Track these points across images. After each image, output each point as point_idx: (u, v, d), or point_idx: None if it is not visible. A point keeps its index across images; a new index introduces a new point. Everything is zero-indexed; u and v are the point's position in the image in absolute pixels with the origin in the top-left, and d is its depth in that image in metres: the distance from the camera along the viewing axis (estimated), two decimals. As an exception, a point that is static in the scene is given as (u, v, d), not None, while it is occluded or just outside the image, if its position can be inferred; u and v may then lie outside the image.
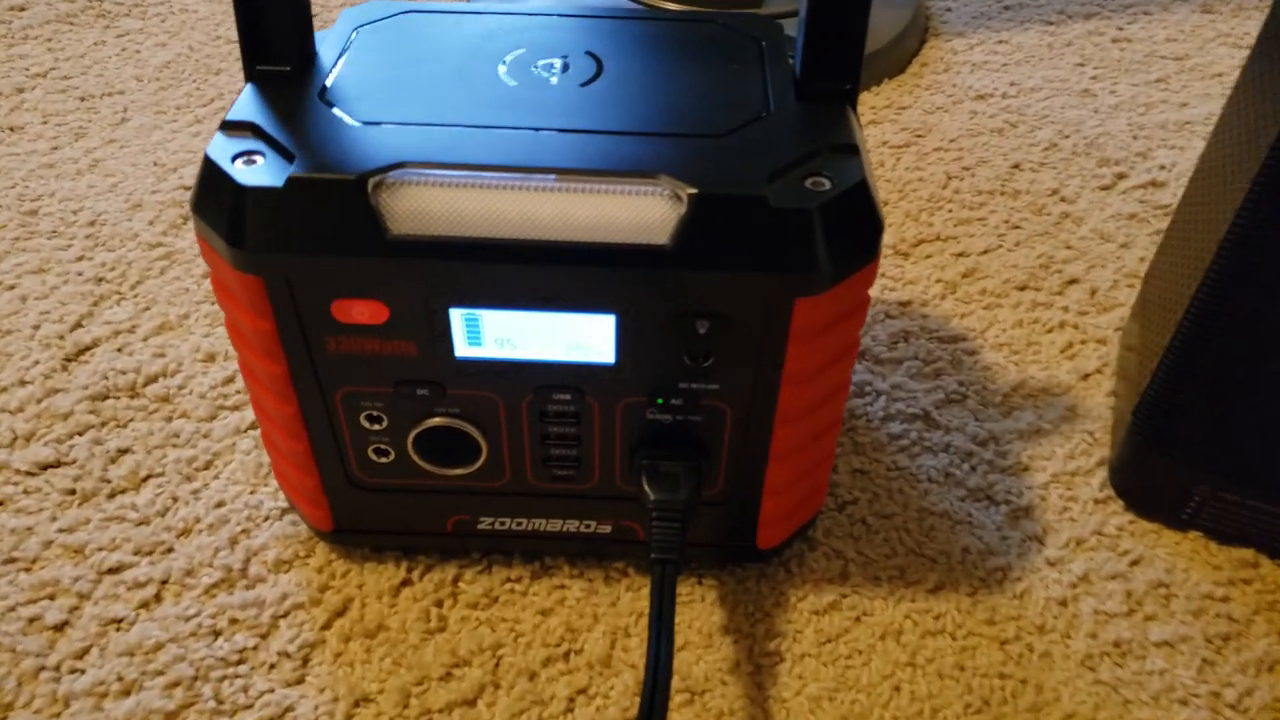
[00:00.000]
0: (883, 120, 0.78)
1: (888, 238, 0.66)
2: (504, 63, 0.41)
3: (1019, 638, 0.45)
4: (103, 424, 0.53)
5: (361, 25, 0.44)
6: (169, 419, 0.53)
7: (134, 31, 0.88)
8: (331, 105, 0.38)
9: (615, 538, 0.45)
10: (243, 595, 0.45)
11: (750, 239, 0.35)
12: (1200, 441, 0.46)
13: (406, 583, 0.46)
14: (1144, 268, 0.64)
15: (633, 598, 0.46)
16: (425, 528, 0.45)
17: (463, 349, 0.38)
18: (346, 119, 0.37)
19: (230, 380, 0.56)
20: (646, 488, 0.41)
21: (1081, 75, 0.84)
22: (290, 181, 0.35)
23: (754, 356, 0.38)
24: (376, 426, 0.41)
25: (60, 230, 0.66)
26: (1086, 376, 0.57)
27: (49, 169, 0.71)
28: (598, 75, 0.41)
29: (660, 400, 0.40)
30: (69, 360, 0.57)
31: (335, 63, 0.41)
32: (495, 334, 0.38)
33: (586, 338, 0.38)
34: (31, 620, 0.44)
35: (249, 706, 0.42)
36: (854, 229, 0.36)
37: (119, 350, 0.57)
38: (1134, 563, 0.48)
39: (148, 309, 0.60)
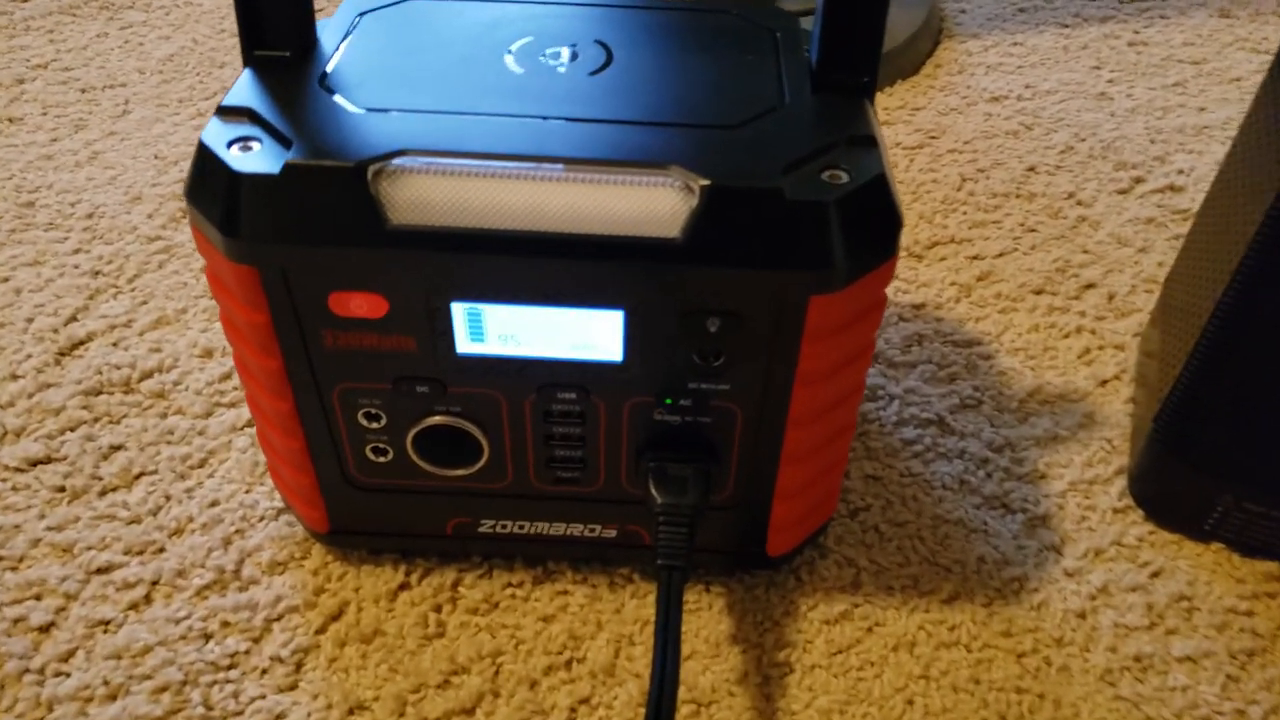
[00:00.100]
0: (896, 121, 0.77)
1: (901, 240, 0.65)
2: (511, 51, 0.40)
3: (1036, 650, 0.43)
4: (95, 420, 0.52)
5: (365, 11, 0.43)
6: (164, 415, 0.52)
7: (137, 24, 0.87)
8: (332, 92, 0.37)
9: (620, 542, 0.44)
10: (235, 597, 0.44)
11: (764, 233, 0.34)
12: (1224, 450, 0.45)
13: (404, 586, 0.45)
14: (1162, 273, 0.63)
15: (638, 605, 0.45)
16: (424, 530, 0.44)
17: (464, 345, 0.37)
18: (347, 105, 0.36)
19: (227, 376, 0.54)
20: (653, 491, 0.40)
21: (1098, 78, 0.83)
22: (287, 168, 0.33)
23: (766, 356, 0.37)
24: (375, 425, 0.40)
25: (57, 222, 0.65)
26: (1104, 383, 0.56)
27: (47, 160, 0.70)
28: (607, 64, 0.40)
29: (668, 400, 0.39)
30: (62, 354, 0.56)
31: (337, 48, 0.40)
32: (498, 330, 0.37)
33: (593, 335, 0.37)
34: (16, 621, 0.43)
35: (239, 713, 0.41)
36: (872, 224, 0.35)
37: (114, 345, 0.56)
38: (1155, 574, 0.46)
39: (145, 303, 0.59)
